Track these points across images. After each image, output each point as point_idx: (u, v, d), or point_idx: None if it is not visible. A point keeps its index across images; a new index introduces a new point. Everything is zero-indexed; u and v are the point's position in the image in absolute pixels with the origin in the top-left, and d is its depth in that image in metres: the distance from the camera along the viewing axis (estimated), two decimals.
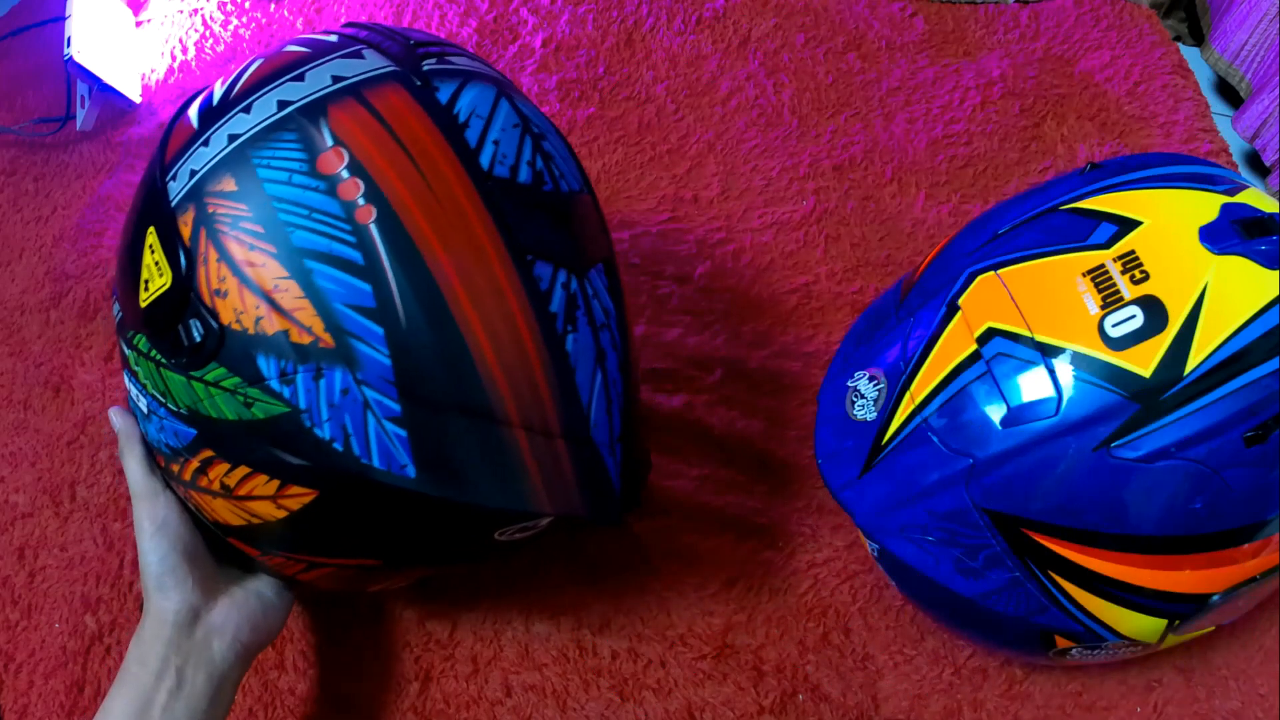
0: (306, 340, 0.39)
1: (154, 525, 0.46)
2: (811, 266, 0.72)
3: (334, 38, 0.45)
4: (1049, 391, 0.41)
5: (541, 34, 0.85)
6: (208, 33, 0.88)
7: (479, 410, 0.40)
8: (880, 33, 0.84)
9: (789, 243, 0.73)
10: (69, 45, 0.77)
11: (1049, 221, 0.46)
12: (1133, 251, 0.42)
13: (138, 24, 0.89)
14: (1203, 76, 0.86)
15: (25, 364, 0.71)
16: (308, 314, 0.39)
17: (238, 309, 0.39)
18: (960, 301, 0.45)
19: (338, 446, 0.39)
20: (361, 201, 0.39)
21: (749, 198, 0.75)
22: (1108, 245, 0.42)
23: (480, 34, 0.85)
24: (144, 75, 0.86)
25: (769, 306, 0.70)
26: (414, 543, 0.48)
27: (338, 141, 0.40)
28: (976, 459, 0.43)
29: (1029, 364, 0.42)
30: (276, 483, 0.42)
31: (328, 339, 0.39)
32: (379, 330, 0.39)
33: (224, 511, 0.45)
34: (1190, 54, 0.90)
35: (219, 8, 0.90)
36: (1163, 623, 0.45)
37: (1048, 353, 0.41)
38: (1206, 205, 0.43)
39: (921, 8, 0.86)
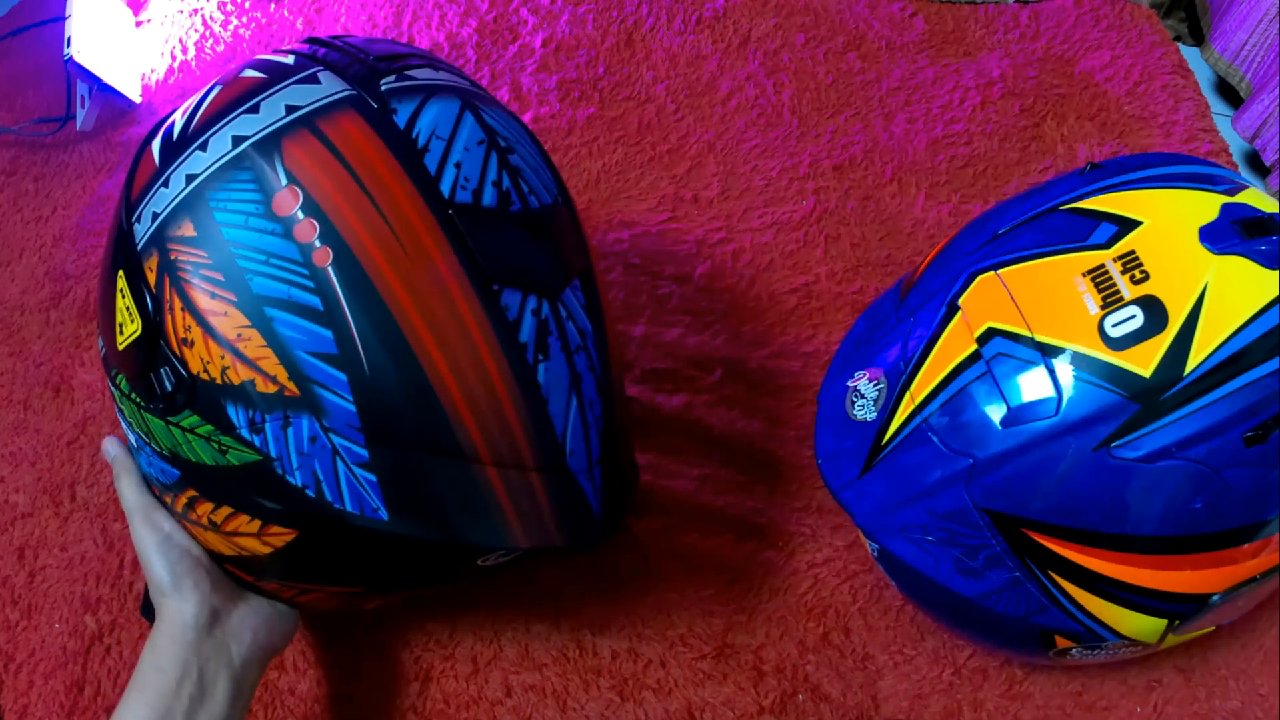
0: (272, 389, 0.38)
1: (157, 538, 0.46)
2: (811, 266, 0.72)
3: (291, 59, 0.44)
4: (1049, 391, 0.41)
5: (541, 34, 0.85)
6: (208, 33, 0.88)
7: (448, 450, 0.39)
8: (880, 33, 0.84)
9: (789, 243, 0.73)
10: (69, 45, 0.77)
11: (1049, 221, 0.46)
12: (1133, 251, 0.42)
13: (138, 24, 0.89)
14: (1203, 76, 0.86)
15: (25, 364, 0.71)
16: (271, 363, 0.38)
17: (204, 358, 0.39)
18: (960, 301, 0.45)
19: (310, 493, 0.39)
20: (318, 244, 0.38)
21: (749, 198, 0.75)
22: (1108, 245, 0.42)
23: (480, 34, 0.85)
24: (144, 75, 0.86)
25: (769, 306, 0.70)
26: (396, 573, 0.48)
27: (292, 180, 0.39)
28: (976, 459, 0.43)
29: (1029, 364, 0.42)
30: (259, 523, 0.42)
31: (292, 388, 0.38)
32: (342, 377, 0.38)
33: (216, 543, 0.46)
34: (1190, 54, 0.90)
35: (219, 8, 0.90)
36: (1163, 623, 0.45)
37: (1048, 353, 0.41)
38: (1206, 205, 0.43)
39: (921, 8, 0.86)
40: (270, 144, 0.40)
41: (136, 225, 0.42)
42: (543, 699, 0.57)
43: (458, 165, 0.41)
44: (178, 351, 0.40)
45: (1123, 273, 0.41)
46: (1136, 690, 0.55)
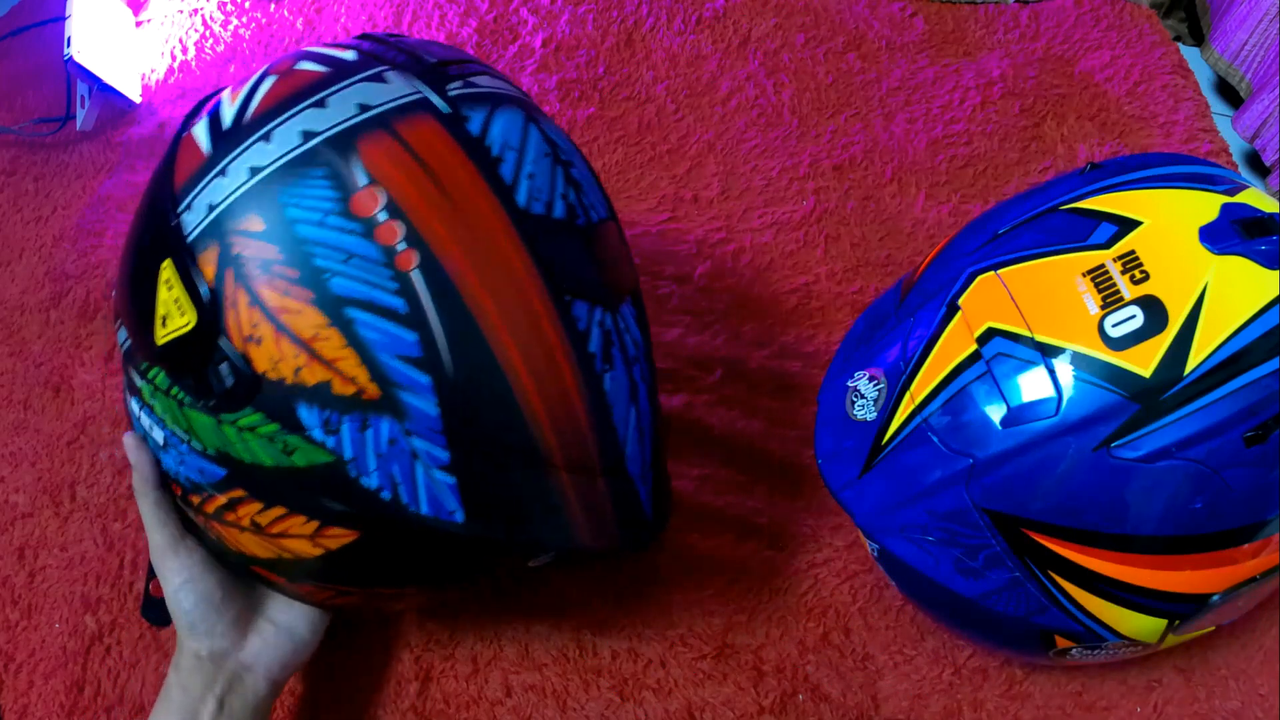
0: (350, 391, 0.38)
1: (179, 580, 0.46)
2: (811, 266, 0.72)
3: (352, 55, 0.43)
4: (1049, 391, 0.41)
5: (541, 34, 0.85)
6: (208, 33, 0.88)
7: (526, 454, 0.39)
8: (880, 33, 0.84)
9: (789, 243, 0.73)
10: (69, 45, 0.77)
11: (1049, 221, 0.46)
12: (1133, 251, 0.42)
13: (138, 24, 0.89)
14: (1203, 76, 0.86)
15: (25, 364, 0.71)
16: (351, 364, 0.37)
17: (274, 357, 0.38)
18: (960, 301, 0.45)
19: (385, 496, 0.39)
20: (402, 246, 0.38)
21: (749, 198, 0.75)
22: (1108, 245, 0.42)
23: (480, 34, 0.85)
24: (144, 75, 0.86)
25: (769, 306, 0.70)
26: (450, 574, 0.48)
27: (372, 180, 0.38)
28: (976, 459, 0.43)
29: (1029, 364, 0.42)
30: (315, 524, 0.41)
31: (373, 390, 0.38)
32: (426, 380, 0.38)
33: (252, 545, 0.44)
34: (1190, 54, 0.90)
35: (219, 8, 0.90)
36: (1163, 623, 0.45)
37: (1048, 353, 0.41)
38: (1206, 205, 0.43)
39: (921, 8, 0.86)
40: (345, 142, 0.39)
41: (186, 214, 0.40)
42: (543, 699, 0.57)
43: (530, 177, 0.41)
44: (241, 348, 0.38)
45: (1123, 273, 0.41)
46: (1136, 690, 0.55)
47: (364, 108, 0.40)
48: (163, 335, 0.41)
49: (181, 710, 0.45)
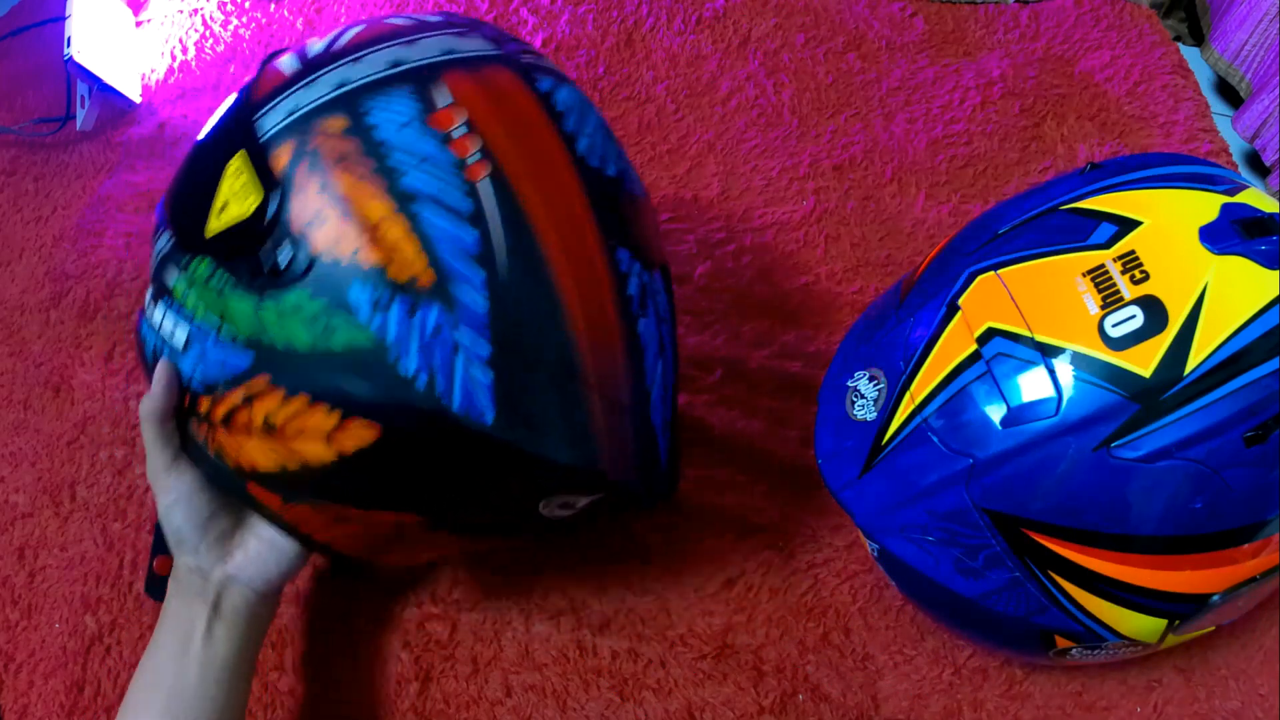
0: (405, 277, 0.40)
1: (170, 498, 0.47)
2: (811, 266, 0.72)
3: (437, 17, 0.47)
4: (1049, 391, 0.41)
5: (542, 34, 0.85)
6: (208, 33, 0.88)
7: (563, 367, 0.41)
8: (880, 33, 0.84)
9: (789, 243, 0.73)
10: (69, 45, 0.77)
11: (1049, 221, 0.46)
12: (1133, 251, 0.42)
13: (138, 24, 0.89)
14: (1203, 76, 0.86)
15: (25, 364, 0.71)
16: (411, 251, 0.40)
17: (335, 239, 0.40)
18: (960, 301, 0.45)
19: (419, 385, 0.40)
20: (475, 158, 0.41)
21: (749, 198, 0.75)
22: (1108, 245, 0.42)
23: None
24: (144, 75, 0.86)
25: (769, 306, 0.70)
26: (462, 497, 0.46)
27: (453, 102, 0.42)
28: (976, 459, 0.43)
29: (1029, 364, 0.42)
30: (337, 415, 0.41)
31: (429, 276, 0.40)
32: (480, 274, 0.40)
33: (257, 453, 0.44)
34: (1190, 54, 0.90)
35: (219, 8, 0.90)
36: (1163, 623, 0.45)
37: (1048, 353, 0.41)
38: (1206, 205, 0.43)
39: (921, 8, 0.86)
40: (431, 71, 0.43)
41: (265, 118, 0.43)
42: (543, 699, 0.57)
43: (589, 135, 0.45)
44: (301, 230, 0.41)
45: (1123, 273, 0.41)
46: (1136, 690, 0.55)
47: (449, 51, 0.44)
48: (220, 222, 0.43)
49: (178, 616, 0.48)
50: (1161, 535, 0.41)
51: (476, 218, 0.40)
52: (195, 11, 0.90)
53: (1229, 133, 0.88)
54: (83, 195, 0.79)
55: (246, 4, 0.90)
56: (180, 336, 0.45)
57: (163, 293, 0.46)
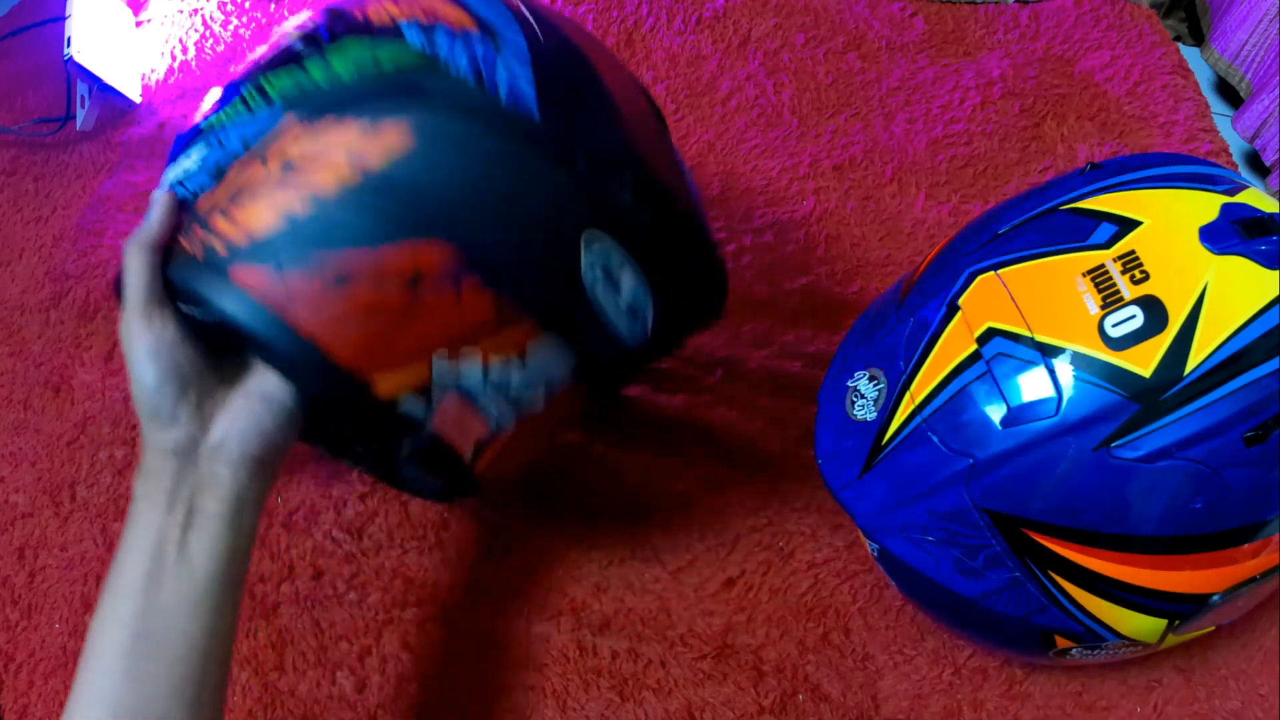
0: (455, 21, 0.44)
1: (145, 349, 0.41)
2: (811, 266, 0.72)
3: None
4: (1049, 391, 0.41)
5: None
6: (208, 33, 0.88)
7: (607, 111, 0.46)
8: (880, 33, 0.84)
9: (789, 243, 0.73)
10: (69, 45, 0.77)
11: (1049, 221, 0.46)
12: (1133, 251, 0.42)
13: (138, 24, 0.89)
14: (1203, 76, 0.86)
15: (25, 364, 0.71)
16: (455, 13, 0.44)
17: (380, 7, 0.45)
18: (960, 301, 0.45)
19: (469, 83, 0.42)
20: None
21: (749, 198, 0.75)
22: (1108, 245, 0.42)
23: None
24: (144, 75, 0.86)
25: (769, 306, 0.70)
26: (498, 219, 0.42)
27: None
28: (976, 459, 0.43)
29: (1029, 364, 0.42)
30: (364, 123, 0.41)
31: (471, 25, 0.44)
32: (523, 42, 0.44)
33: (265, 210, 0.40)
34: (1190, 54, 0.90)
35: (219, 8, 0.90)
36: (1163, 623, 0.45)
37: (1048, 353, 0.41)
38: (1206, 205, 0.43)
39: (921, 8, 0.86)
40: None
41: None
42: (543, 699, 0.57)
43: None
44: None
45: (1123, 273, 0.41)
46: (1136, 690, 0.55)
47: None
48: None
49: (147, 525, 0.40)
50: (1161, 535, 0.41)
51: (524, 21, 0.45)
52: (195, 11, 0.90)
53: (1229, 133, 0.88)
54: (83, 195, 0.79)
55: (246, 4, 0.90)
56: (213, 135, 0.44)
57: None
